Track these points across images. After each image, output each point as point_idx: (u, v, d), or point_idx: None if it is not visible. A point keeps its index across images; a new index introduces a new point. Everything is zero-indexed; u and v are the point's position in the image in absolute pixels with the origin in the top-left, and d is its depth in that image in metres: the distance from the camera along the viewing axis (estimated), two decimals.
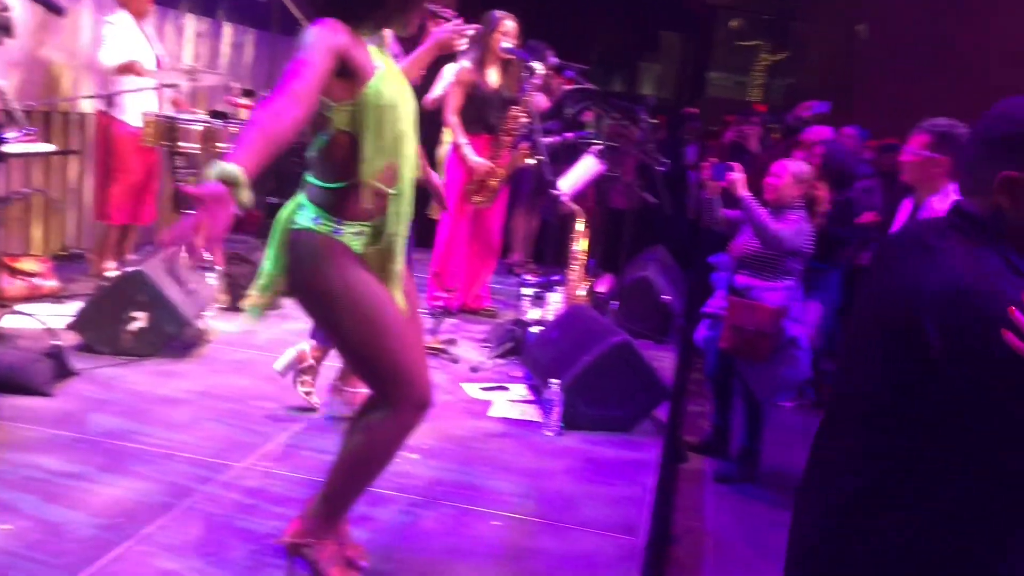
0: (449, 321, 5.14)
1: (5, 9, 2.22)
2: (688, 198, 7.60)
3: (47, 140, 5.28)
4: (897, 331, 1.39)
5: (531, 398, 4.08)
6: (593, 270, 5.61)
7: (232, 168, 1.73)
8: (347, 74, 2.12)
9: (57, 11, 2.42)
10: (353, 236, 2.22)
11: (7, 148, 4.05)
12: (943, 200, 3.32)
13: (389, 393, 2.26)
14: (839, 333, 5.97)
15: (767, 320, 3.97)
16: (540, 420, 3.73)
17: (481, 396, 4.07)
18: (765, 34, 19.29)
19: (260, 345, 4.48)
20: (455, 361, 4.52)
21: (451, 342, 4.73)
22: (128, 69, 5.04)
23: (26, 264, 4.78)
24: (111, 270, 5.07)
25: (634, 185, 5.12)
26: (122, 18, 5.16)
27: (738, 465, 4.31)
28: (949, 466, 1.37)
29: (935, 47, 9.50)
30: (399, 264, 2.32)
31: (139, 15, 5.24)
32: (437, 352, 4.53)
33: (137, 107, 5.21)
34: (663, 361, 4.89)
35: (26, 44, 5.15)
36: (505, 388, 4.20)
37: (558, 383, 3.67)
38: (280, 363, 3.60)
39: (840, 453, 1.53)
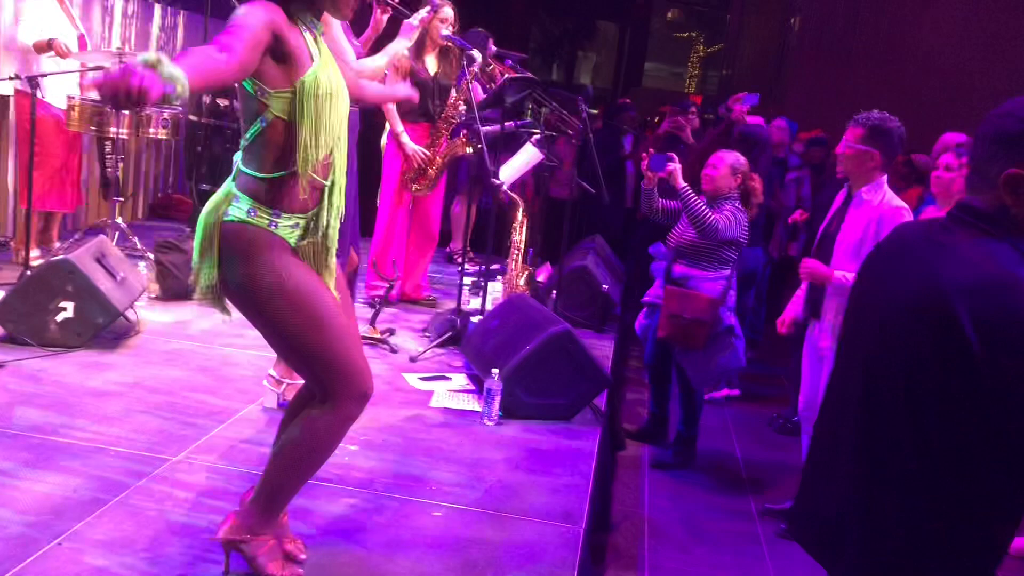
0: (388, 310, 5.10)
1: None
2: (625, 188, 7.67)
3: None
4: (912, 329, 1.40)
5: (471, 388, 4.08)
6: (532, 259, 5.62)
7: (158, 55, 1.64)
8: (282, 59, 2.08)
9: None
10: (289, 229, 2.18)
11: None
12: (875, 191, 3.42)
13: (329, 386, 2.23)
14: (760, 321, 6.11)
15: (704, 309, 4.04)
16: (480, 410, 3.73)
17: (421, 386, 4.05)
18: (700, 26, 19.56)
19: (193, 335, 4.39)
20: (394, 351, 4.49)
21: (390, 332, 4.69)
22: (47, 48, 4.85)
23: None
24: (36, 258, 4.90)
25: (573, 174, 5.13)
26: None
27: (675, 452, 4.39)
28: (965, 461, 1.38)
29: (865, 41, 9.75)
30: (333, 257, 2.30)
31: None
32: (376, 342, 4.49)
33: (61, 89, 5.04)
34: (602, 349, 4.94)
35: None
36: (445, 378, 4.19)
37: (498, 372, 3.68)
38: (268, 402, 3.54)
39: (848, 451, 1.54)
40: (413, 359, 4.40)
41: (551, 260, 6.22)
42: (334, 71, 2.21)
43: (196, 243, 2.20)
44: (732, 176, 4.19)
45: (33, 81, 4.59)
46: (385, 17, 4.26)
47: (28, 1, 4.95)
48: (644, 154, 4.42)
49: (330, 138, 2.17)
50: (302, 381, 2.53)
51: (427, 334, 4.84)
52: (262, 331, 2.27)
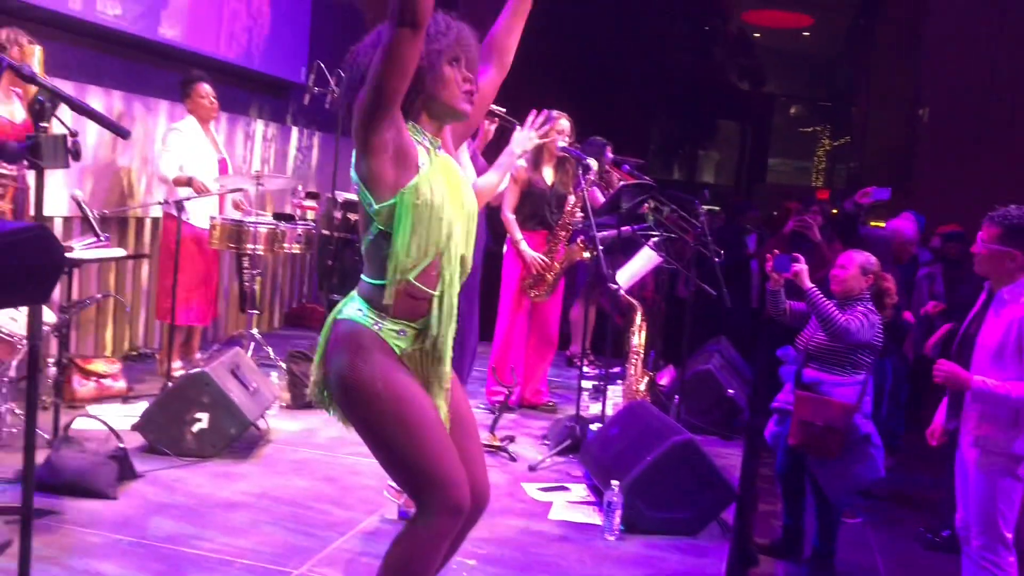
0: (508, 416, 5.08)
1: (75, 135, 2.34)
2: (751, 288, 7.49)
3: (120, 244, 5.49)
4: None
5: (591, 499, 3.98)
6: (654, 363, 5.52)
7: None
8: (397, 156, 2.14)
9: (122, 134, 2.54)
10: (394, 334, 2.20)
11: (83, 254, 4.21)
12: (1018, 291, 3.20)
13: (421, 497, 2.20)
14: (899, 427, 5.71)
15: (837, 415, 3.84)
16: (601, 523, 3.62)
17: (540, 497, 3.98)
18: (825, 119, 19.32)
19: (320, 444, 4.48)
20: (513, 459, 4.45)
21: (510, 439, 4.66)
22: (186, 184, 5.21)
23: (97, 365, 4.90)
24: (177, 370, 5.17)
25: (693, 276, 5.07)
26: (189, 124, 5.39)
27: (811, 568, 4.12)
28: None
29: (999, 131, 9.36)
30: (444, 366, 2.29)
31: (205, 120, 5.47)
32: (495, 450, 4.46)
33: (204, 211, 5.39)
34: (729, 459, 4.74)
35: (100, 153, 5.40)
36: (565, 488, 4.11)
37: (618, 484, 3.57)
38: (390, 512, 3.58)
39: None
40: (532, 468, 4.34)
41: (674, 362, 6.09)
42: (448, 183, 2.22)
43: (319, 343, 2.29)
44: (863, 276, 4.03)
45: (179, 205, 4.93)
46: (493, 127, 4.40)
47: (175, 133, 5.36)
48: (768, 255, 4.32)
49: (429, 248, 2.18)
50: None
51: (546, 441, 4.78)
52: (358, 430, 2.25)
